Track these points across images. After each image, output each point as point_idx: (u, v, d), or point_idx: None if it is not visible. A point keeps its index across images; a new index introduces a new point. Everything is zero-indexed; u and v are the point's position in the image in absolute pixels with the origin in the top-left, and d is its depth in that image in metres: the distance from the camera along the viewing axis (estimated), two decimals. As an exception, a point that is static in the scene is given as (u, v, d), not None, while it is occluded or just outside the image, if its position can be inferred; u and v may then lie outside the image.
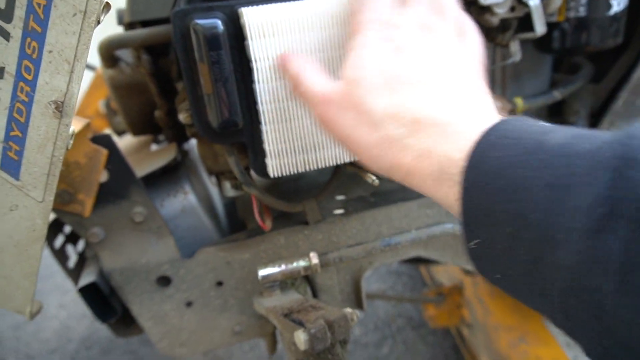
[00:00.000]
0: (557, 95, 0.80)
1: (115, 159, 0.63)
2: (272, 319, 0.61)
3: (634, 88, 0.79)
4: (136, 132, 0.86)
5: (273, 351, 0.87)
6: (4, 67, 0.33)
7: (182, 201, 0.75)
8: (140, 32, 0.65)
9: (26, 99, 0.34)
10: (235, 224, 0.94)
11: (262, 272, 0.64)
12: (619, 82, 0.84)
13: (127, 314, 0.80)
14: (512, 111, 0.78)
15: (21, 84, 0.33)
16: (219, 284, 0.72)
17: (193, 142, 1.12)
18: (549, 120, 0.95)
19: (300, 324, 0.54)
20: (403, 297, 1.52)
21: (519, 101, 0.78)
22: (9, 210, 0.40)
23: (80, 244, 0.85)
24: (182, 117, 0.61)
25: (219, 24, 0.51)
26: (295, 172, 0.60)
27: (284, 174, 0.60)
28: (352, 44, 0.43)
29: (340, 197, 0.83)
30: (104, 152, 0.62)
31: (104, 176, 0.64)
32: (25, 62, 0.32)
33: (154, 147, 0.99)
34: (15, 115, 0.35)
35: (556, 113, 0.92)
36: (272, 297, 0.65)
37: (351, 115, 0.40)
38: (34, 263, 0.45)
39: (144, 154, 0.83)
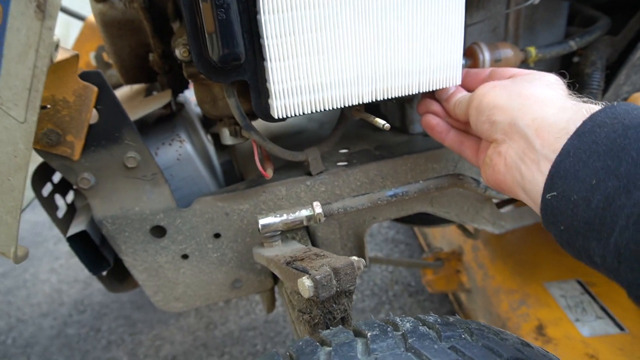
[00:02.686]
0: (572, 45, 0.76)
1: (107, 98, 0.59)
2: (273, 269, 0.57)
3: (653, 39, 0.75)
4: (129, 79, 0.81)
5: (271, 309, 0.84)
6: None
7: (177, 150, 0.71)
8: (132, -39, 0.59)
9: (2, -4, 0.29)
10: (232, 182, 0.91)
11: (263, 221, 0.60)
12: (637, 35, 0.80)
13: (120, 268, 0.77)
14: (525, 60, 0.74)
15: (-5, -24, 0.29)
16: (217, 235, 0.69)
17: (188, 95, 1.08)
18: (563, 72, 0.91)
19: (304, 272, 0.50)
20: (401, 261, 1.51)
21: (532, 50, 0.74)
22: (-14, 132, 0.36)
23: (70, 196, 0.81)
24: (179, 52, 0.57)
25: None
26: (301, 113, 0.56)
27: (289, 115, 0.56)
28: None
29: (343, 150, 0.79)
30: (94, 89, 0.57)
31: (94, 117, 0.60)
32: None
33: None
34: (-10, 14, 0.30)
35: (570, 65, 0.88)
36: (273, 247, 0.62)
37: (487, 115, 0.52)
38: (17, 195, 0.41)
39: (137, 102, 0.78)
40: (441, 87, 0.60)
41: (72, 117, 0.58)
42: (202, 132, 0.93)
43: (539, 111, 0.45)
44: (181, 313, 1.65)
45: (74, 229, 0.65)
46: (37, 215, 2.79)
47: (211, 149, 0.94)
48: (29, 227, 2.62)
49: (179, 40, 0.58)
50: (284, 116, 0.56)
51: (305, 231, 0.74)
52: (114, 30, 0.71)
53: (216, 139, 1.06)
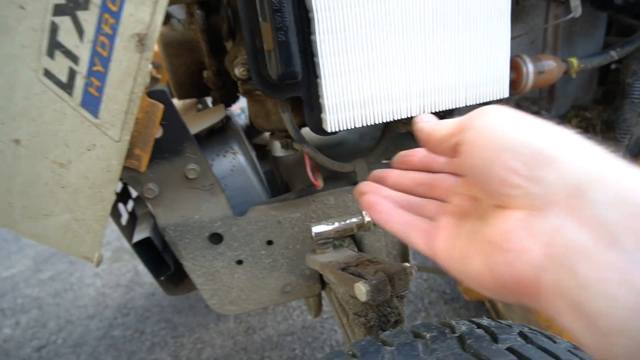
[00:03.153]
0: (613, 55, 0.77)
1: (170, 115, 0.63)
2: (328, 274, 0.61)
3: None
4: (182, 94, 0.86)
5: (318, 314, 0.87)
6: (90, -2, 0.33)
7: (231, 161, 0.76)
8: (194, -13, 0.64)
9: (110, 32, 0.34)
10: (274, 191, 0.95)
11: (316, 229, 0.63)
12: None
13: (176, 273, 0.82)
14: (567, 71, 0.75)
15: (106, 15, 0.33)
16: (269, 242, 0.73)
17: (233, 110, 1.13)
18: (604, 83, 0.92)
19: (360, 277, 0.53)
20: (439, 269, 1.51)
21: (574, 61, 0.75)
22: (86, 149, 0.41)
23: (130, 204, 0.86)
24: (238, 71, 0.61)
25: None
26: (352, 127, 0.59)
27: (341, 129, 0.59)
28: None
29: (386, 161, 0.82)
30: (160, 106, 0.61)
31: (159, 132, 0.64)
32: (112, -7, 0.32)
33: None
34: (99, 49, 0.35)
35: (608, 74, 0.89)
36: (326, 254, 0.65)
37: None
38: (107, 206, 0.46)
39: (191, 115, 0.83)
40: (488, 100, 0.63)
41: (140, 132, 0.62)
42: (247, 143, 0.97)
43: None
44: (220, 318, 1.70)
45: (138, 236, 0.70)
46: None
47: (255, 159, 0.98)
48: (72, 234, 2.73)
49: (238, 60, 0.62)
50: (336, 130, 0.59)
51: (352, 239, 0.77)
52: (173, 50, 0.76)
53: (258, 149, 1.11)
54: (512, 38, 0.81)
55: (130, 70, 0.36)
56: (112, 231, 2.65)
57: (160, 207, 0.69)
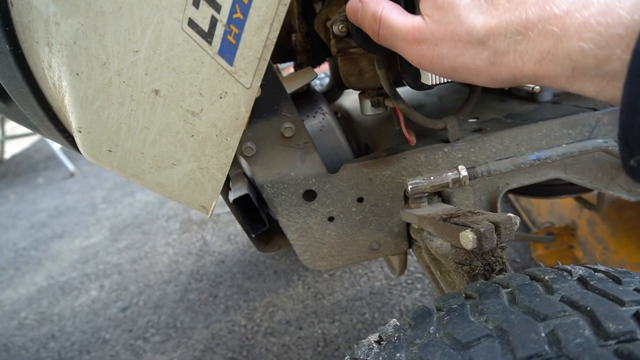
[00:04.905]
0: None
1: (269, 75, 0.65)
2: (427, 226, 0.62)
3: None
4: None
5: (402, 272, 0.89)
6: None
7: (320, 121, 0.77)
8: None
9: (252, -21, 0.36)
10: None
11: (412, 182, 0.64)
12: None
13: (266, 230, 0.85)
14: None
15: (250, -37, 0.35)
16: (360, 200, 0.75)
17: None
18: None
19: (465, 226, 0.54)
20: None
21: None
22: (218, 97, 0.44)
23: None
24: (337, 28, 0.62)
25: None
26: (447, 81, 0.59)
27: (439, 82, 0.59)
28: None
29: (472, 120, 0.81)
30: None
31: (258, 91, 0.67)
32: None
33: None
34: (241, -5, 0.37)
35: None
36: (421, 208, 0.66)
37: (450, 45, 0.37)
38: (230, 154, 0.49)
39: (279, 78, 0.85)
40: None
41: (241, 91, 0.65)
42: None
43: None
44: (289, 284, 1.76)
45: (236, 193, 0.73)
46: (147, 195, 3.07)
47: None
48: (142, 206, 2.89)
49: (336, 17, 0.63)
50: (435, 83, 0.59)
51: (439, 197, 0.77)
52: None
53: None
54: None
55: (268, 17, 0.38)
56: (179, 204, 2.78)
57: (258, 165, 0.72)
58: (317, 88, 1.36)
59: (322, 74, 1.32)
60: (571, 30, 0.30)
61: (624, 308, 0.38)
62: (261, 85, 0.67)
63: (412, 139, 0.69)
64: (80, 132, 0.48)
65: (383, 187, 0.74)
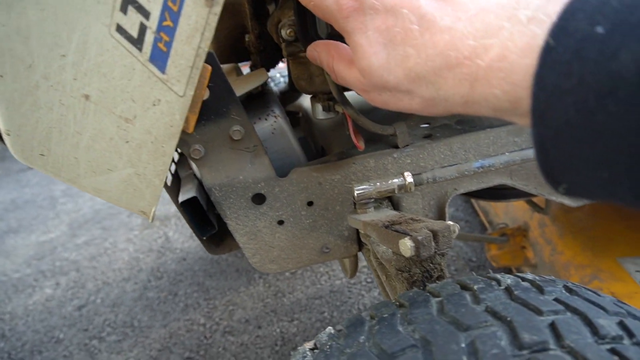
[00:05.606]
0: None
1: (217, 77, 0.65)
2: (371, 232, 0.62)
3: None
4: (223, 58, 0.87)
5: (354, 274, 0.90)
6: (163, -46, 0.34)
7: (272, 124, 0.77)
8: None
9: (181, -13, 0.35)
10: (308, 157, 0.96)
11: (358, 188, 0.65)
12: None
13: (217, 234, 0.85)
14: None
15: (177, -29, 0.35)
16: (310, 203, 0.75)
17: (269, 74, 1.13)
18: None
19: (405, 233, 0.55)
20: (468, 236, 1.53)
21: None
22: (152, 104, 0.43)
23: (172, 166, 0.89)
24: (285, 32, 0.62)
25: None
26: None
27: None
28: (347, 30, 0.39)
29: (424, 125, 0.82)
30: (208, 68, 0.63)
31: (206, 93, 0.66)
32: (184, -53, 0.33)
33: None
34: (169, 3, 0.36)
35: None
36: (367, 213, 0.67)
37: (388, 94, 0.39)
38: (167, 160, 0.48)
39: (232, 79, 0.85)
40: None
41: (188, 94, 0.64)
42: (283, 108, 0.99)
43: None
44: (250, 282, 1.76)
45: (185, 195, 0.73)
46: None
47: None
48: (104, 202, 2.82)
49: (284, 21, 0.63)
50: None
51: (389, 201, 0.78)
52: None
53: (290, 116, 1.12)
54: None
55: (199, 25, 0.37)
56: (142, 199, 2.73)
57: (206, 167, 0.71)
58: (280, 86, 1.35)
59: (278, 76, 1.32)
60: (479, 78, 0.30)
61: (541, 318, 0.39)
62: (209, 87, 0.66)
63: (361, 145, 0.69)
64: (9, 135, 0.47)
65: (333, 192, 0.74)
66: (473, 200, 1.86)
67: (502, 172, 0.79)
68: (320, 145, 0.94)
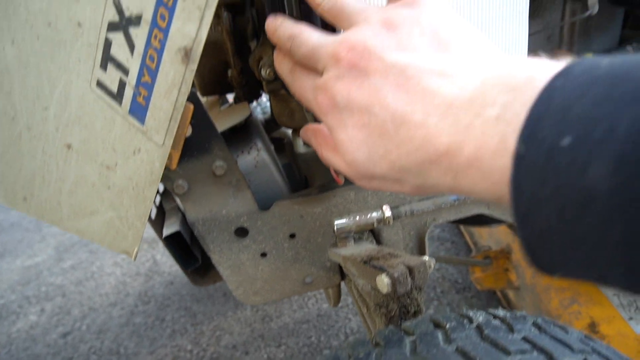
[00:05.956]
0: (630, 50, 0.78)
1: (199, 114, 0.66)
2: (350, 266, 0.64)
3: None
4: (206, 92, 0.89)
5: (337, 303, 0.91)
6: (141, 15, 0.36)
7: (255, 157, 0.79)
8: (222, -10, 0.67)
9: (158, 46, 0.37)
10: (293, 184, 0.98)
11: (338, 223, 0.67)
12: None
13: (202, 265, 0.86)
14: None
15: (155, 31, 0.36)
16: (292, 236, 0.76)
17: (253, 105, 1.15)
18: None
19: (382, 269, 0.57)
20: (452, 259, 1.55)
21: (591, 56, 0.77)
22: (132, 153, 0.44)
23: (157, 198, 0.90)
24: (265, 72, 0.64)
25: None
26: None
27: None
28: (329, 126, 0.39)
29: (404, 156, 0.85)
30: (190, 107, 0.64)
31: (189, 131, 0.68)
32: (161, 9, 0.35)
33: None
34: (148, 61, 0.38)
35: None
36: (347, 247, 0.68)
37: (377, 182, 0.39)
38: (148, 204, 0.49)
39: (215, 112, 0.86)
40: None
41: (171, 132, 0.66)
42: (267, 137, 1.00)
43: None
44: (238, 306, 1.75)
45: (168, 230, 0.73)
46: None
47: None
48: (91, 223, 2.80)
49: (264, 61, 0.65)
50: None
51: (371, 232, 0.80)
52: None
53: (276, 142, 1.14)
54: (530, 34, 0.82)
55: (176, 81, 0.39)
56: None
57: (189, 202, 0.72)
58: (268, 112, 1.37)
59: (254, 104, 1.34)
60: (460, 172, 0.29)
61: (509, 357, 0.41)
62: (192, 125, 0.68)
63: (340, 180, 0.71)
64: (-8, 180, 0.48)
65: (314, 224, 0.76)
66: (459, 221, 1.88)
67: (479, 203, 0.82)
68: (304, 176, 0.95)
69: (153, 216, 0.82)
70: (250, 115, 0.98)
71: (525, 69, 0.28)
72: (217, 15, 0.71)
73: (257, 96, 0.93)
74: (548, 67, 0.27)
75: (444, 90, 0.30)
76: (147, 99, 0.40)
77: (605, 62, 0.24)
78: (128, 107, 0.41)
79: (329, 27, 0.56)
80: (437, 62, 0.32)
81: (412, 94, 0.31)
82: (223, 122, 0.77)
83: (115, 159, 0.45)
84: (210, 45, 0.79)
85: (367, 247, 0.66)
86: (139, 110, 0.41)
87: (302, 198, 0.74)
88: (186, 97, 0.41)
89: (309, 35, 0.40)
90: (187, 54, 0.37)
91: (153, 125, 0.42)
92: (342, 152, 0.38)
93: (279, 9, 0.55)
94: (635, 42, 0.78)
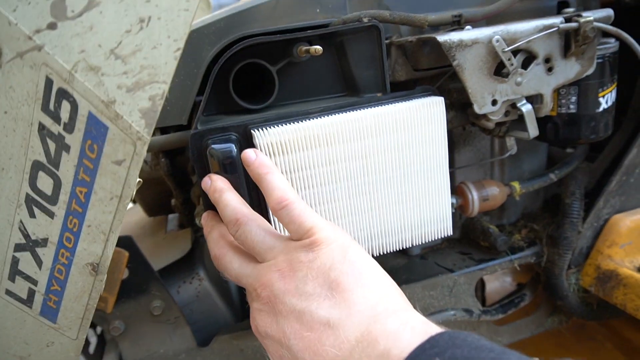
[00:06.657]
0: (553, 177, 0.83)
1: (136, 258, 0.67)
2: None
3: (626, 169, 0.82)
4: (151, 214, 0.90)
5: None
6: (47, 238, 0.37)
7: (197, 287, 0.79)
8: (158, 139, 0.69)
9: (66, 262, 0.38)
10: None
11: None
12: (611, 163, 0.87)
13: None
14: (510, 194, 0.81)
15: (62, 250, 0.38)
16: (233, 370, 0.75)
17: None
18: (546, 202, 0.98)
19: None
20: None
21: (517, 185, 0.81)
22: (45, 345, 0.44)
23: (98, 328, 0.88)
24: (199, 221, 0.65)
25: (233, 149, 0.54)
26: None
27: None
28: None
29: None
30: (125, 254, 0.66)
31: (125, 274, 0.68)
32: (67, 234, 0.37)
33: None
34: (56, 274, 0.39)
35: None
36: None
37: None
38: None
39: (159, 238, 0.87)
40: (434, 238, 0.67)
41: (106, 277, 0.66)
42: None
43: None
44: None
45: (104, 371, 0.72)
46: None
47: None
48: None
49: (199, 210, 0.67)
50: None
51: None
52: (142, 185, 0.80)
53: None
54: (460, 167, 0.86)
55: (86, 289, 0.40)
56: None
57: (127, 342, 0.71)
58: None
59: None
60: None
61: None
62: (129, 267, 0.69)
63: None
64: None
65: (255, 357, 0.76)
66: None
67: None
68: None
69: (92, 350, 0.80)
70: (197, 240, 0.98)
71: (386, 338, 0.31)
72: (156, 158, 0.74)
73: (202, 221, 0.95)
74: (407, 342, 0.31)
75: (327, 346, 0.35)
76: (58, 303, 0.41)
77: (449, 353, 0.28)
78: (39, 310, 0.41)
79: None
80: (325, 310, 0.37)
81: (305, 341, 0.37)
82: (163, 254, 0.78)
83: (28, 350, 0.45)
84: (152, 180, 0.81)
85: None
86: (50, 312, 0.42)
87: (242, 332, 0.74)
88: (97, 299, 0.42)
89: (232, 258, 0.46)
90: (94, 268, 0.39)
91: (65, 323, 0.43)
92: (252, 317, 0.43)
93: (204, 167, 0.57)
94: (557, 170, 0.83)
